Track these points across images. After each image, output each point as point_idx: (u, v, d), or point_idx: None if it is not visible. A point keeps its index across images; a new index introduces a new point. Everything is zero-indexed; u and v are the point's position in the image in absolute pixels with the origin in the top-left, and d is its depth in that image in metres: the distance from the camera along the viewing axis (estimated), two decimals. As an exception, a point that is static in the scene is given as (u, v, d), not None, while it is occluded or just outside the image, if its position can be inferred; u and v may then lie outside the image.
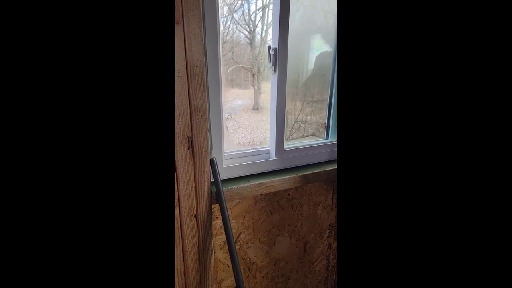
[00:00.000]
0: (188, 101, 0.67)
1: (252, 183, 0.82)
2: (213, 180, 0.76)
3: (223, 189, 0.77)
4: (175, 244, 0.73)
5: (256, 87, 0.92)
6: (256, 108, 0.94)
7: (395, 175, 0.24)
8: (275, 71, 0.83)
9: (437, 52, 0.23)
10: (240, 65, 0.88)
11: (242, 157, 0.88)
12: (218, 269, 0.86)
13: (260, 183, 0.83)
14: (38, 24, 0.21)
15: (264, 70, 0.90)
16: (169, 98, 0.24)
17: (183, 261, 0.75)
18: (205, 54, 0.68)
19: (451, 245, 0.23)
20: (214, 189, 0.76)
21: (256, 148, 0.92)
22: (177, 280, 0.76)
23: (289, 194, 0.93)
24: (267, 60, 0.84)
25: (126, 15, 0.22)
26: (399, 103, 0.24)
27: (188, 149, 0.69)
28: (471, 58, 0.22)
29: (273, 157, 0.91)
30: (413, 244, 0.23)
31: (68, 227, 0.21)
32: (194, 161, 0.70)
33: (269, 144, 0.94)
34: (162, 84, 0.23)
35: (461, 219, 0.22)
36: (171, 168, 0.27)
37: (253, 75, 0.90)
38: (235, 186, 0.79)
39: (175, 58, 0.62)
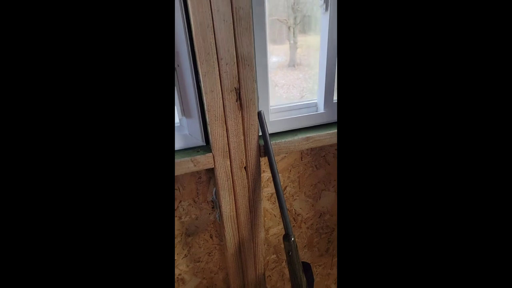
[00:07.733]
0: (234, 48, 0.62)
1: (299, 137, 0.80)
2: (260, 134, 0.76)
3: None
4: (228, 193, 0.79)
5: (292, 41, 0.85)
6: (292, 65, 0.88)
7: (398, 173, 0.22)
8: (326, 9, 0.73)
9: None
10: (275, 18, 0.81)
11: (288, 110, 0.85)
12: (265, 218, 0.96)
13: (308, 137, 0.80)
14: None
15: (300, 21, 0.82)
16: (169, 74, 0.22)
17: (235, 209, 0.83)
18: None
19: (454, 246, 0.22)
20: (261, 142, 0.76)
21: (302, 101, 0.87)
22: (230, 225, 0.85)
23: (336, 149, 0.91)
24: (306, 5, 0.75)
25: None
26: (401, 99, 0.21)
27: (236, 101, 0.68)
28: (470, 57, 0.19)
29: (321, 110, 0.86)
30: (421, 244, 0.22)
31: (62, 220, 0.21)
32: (242, 114, 0.70)
33: (317, 96, 0.88)
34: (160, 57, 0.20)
35: (463, 220, 0.21)
36: (171, 162, 0.25)
37: (289, 27, 0.83)
38: (282, 140, 0.78)
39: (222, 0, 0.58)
